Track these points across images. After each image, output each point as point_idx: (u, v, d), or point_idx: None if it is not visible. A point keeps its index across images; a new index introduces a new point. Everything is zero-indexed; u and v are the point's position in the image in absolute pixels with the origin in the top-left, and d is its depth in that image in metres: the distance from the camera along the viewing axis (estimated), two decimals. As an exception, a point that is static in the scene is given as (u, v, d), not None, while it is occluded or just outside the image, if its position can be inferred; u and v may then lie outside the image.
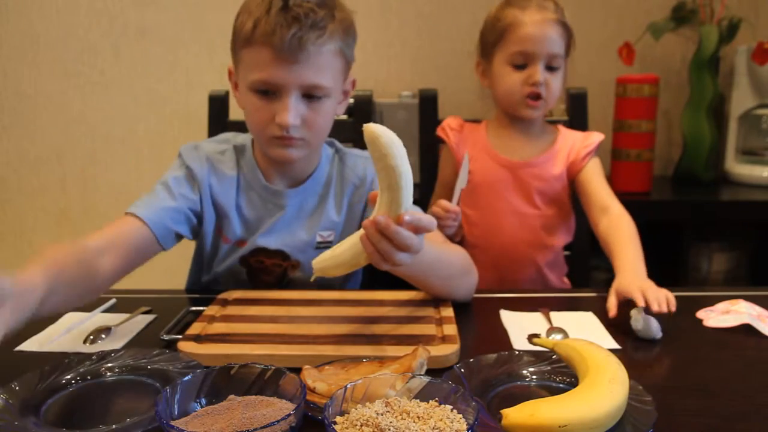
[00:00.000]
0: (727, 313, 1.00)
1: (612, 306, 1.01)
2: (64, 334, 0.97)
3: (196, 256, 1.28)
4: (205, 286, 1.26)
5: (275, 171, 1.18)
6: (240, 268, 1.20)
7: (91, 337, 0.95)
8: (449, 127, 1.46)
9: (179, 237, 1.15)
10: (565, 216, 1.41)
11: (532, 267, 1.39)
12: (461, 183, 1.30)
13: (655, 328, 0.93)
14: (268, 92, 1.05)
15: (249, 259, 1.19)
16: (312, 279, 0.91)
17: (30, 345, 0.94)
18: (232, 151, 1.20)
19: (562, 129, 1.43)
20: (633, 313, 0.96)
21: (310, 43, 1.00)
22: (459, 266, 1.07)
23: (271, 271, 1.19)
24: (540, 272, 1.40)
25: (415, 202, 1.34)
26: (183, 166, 1.17)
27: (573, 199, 1.42)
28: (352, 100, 1.53)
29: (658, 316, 0.95)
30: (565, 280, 1.47)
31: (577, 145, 1.37)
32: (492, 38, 1.35)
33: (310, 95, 1.05)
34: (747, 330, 0.96)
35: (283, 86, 1.03)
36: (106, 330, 0.97)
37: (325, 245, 1.16)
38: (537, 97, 1.31)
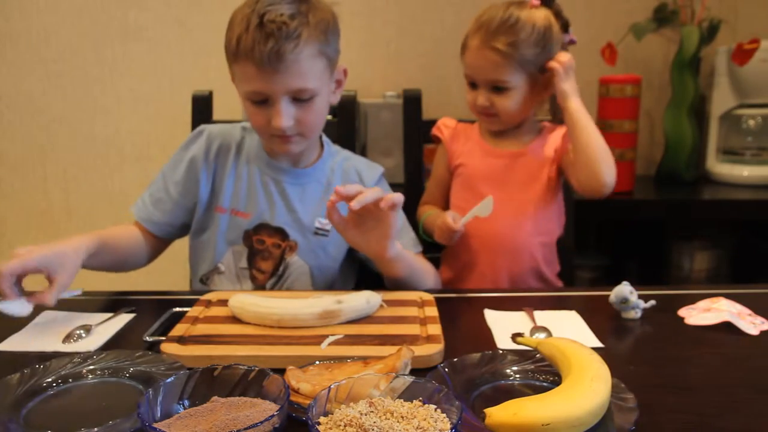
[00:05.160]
0: (708, 311, 1.01)
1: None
2: (43, 334, 0.96)
3: (195, 247, 1.33)
4: (204, 279, 1.30)
5: (277, 155, 1.28)
6: (242, 248, 1.27)
7: (71, 336, 0.94)
8: (444, 125, 1.50)
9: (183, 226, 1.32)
10: (558, 205, 1.43)
11: (529, 258, 1.39)
12: (479, 211, 1.27)
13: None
14: (261, 100, 1.14)
15: (252, 236, 1.26)
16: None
17: (8, 345, 0.93)
18: (240, 129, 1.33)
19: (547, 123, 1.46)
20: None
21: (288, 53, 1.08)
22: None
23: (271, 253, 1.26)
24: (537, 268, 1.40)
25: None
26: (184, 147, 1.31)
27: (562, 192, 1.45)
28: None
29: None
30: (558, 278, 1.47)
31: (562, 131, 1.39)
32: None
33: (298, 98, 1.14)
34: (727, 327, 0.97)
35: (271, 95, 1.13)
36: (86, 329, 0.96)
37: (323, 232, 1.26)
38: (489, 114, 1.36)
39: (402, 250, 1.14)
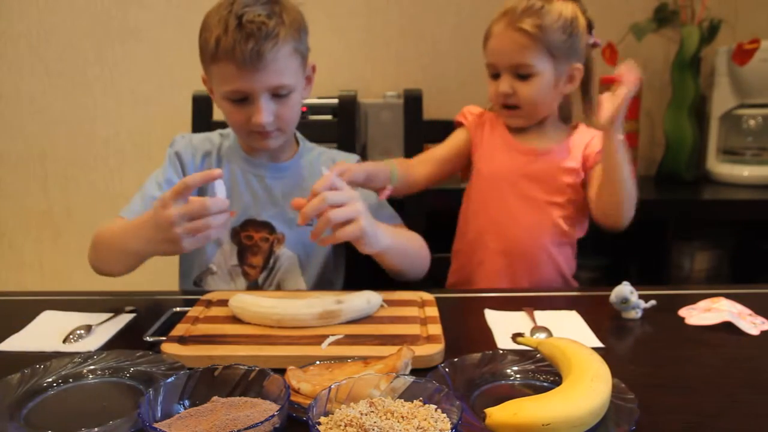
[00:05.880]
0: (708, 311, 1.01)
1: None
2: (43, 334, 0.96)
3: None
4: (198, 281, 1.30)
5: (256, 152, 1.32)
6: (232, 246, 1.29)
7: (71, 336, 0.94)
8: (469, 112, 1.47)
9: None
10: (582, 209, 1.38)
11: (550, 263, 1.36)
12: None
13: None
14: (240, 99, 1.18)
15: (240, 233, 1.29)
16: None
17: (8, 345, 0.93)
18: (218, 135, 1.37)
19: (581, 126, 1.41)
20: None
21: (267, 53, 1.13)
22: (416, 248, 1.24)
23: (260, 247, 1.28)
24: (560, 271, 1.38)
25: (400, 204, 1.37)
26: (170, 151, 1.32)
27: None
28: (336, 100, 1.54)
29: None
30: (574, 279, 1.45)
31: (595, 141, 1.34)
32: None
33: (277, 94, 1.18)
34: (728, 327, 0.97)
35: (252, 93, 1.17)
36: (87, 329, 0.97)
37: (308, 222, 1.23)
38: (511, 106, 1.32)
39: (392, 243, 1.13)
